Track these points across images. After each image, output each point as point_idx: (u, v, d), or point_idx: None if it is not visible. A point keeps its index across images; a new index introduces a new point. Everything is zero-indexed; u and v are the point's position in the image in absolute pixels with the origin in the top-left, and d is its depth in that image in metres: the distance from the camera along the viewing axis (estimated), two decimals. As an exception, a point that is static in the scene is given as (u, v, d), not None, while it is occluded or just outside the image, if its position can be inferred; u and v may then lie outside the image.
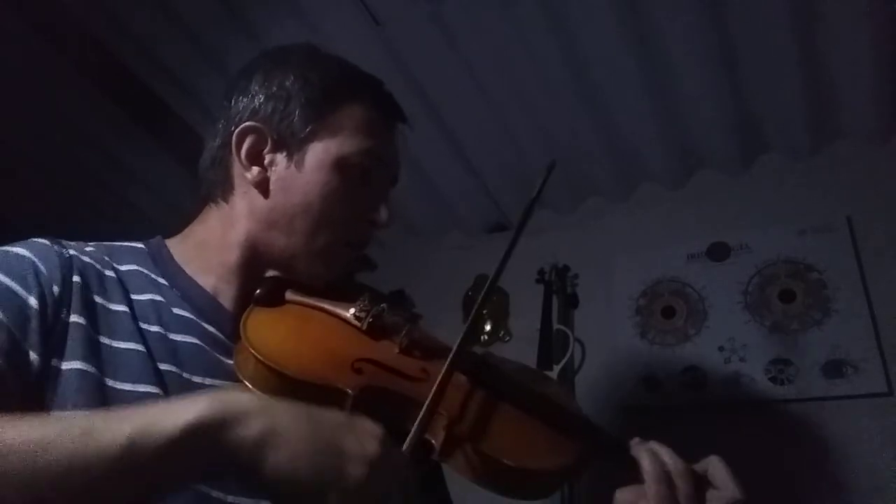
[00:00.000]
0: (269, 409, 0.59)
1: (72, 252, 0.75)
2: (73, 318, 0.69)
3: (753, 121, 1.69)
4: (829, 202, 1.66)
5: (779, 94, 1.60)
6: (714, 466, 0.75)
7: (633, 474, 0.74)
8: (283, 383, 0.70)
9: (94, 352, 0.68)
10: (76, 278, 0.72)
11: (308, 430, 0.59)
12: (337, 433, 0.60)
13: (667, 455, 0.75)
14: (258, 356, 0.71)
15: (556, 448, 0.77)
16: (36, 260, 0.70)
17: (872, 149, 1.65)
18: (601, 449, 0.81)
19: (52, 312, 0.68)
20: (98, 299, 0.73)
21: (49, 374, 0.65)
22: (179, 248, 0.86)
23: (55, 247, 0.74)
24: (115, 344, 0.71)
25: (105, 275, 0.76)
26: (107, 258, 0.79)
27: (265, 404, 0.60)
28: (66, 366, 0.66)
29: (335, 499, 0.56)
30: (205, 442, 0.55)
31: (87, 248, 0.79)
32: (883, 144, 1.64)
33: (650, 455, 0.74)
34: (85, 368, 0.66)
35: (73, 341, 0.67)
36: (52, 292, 0.69)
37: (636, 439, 0.78)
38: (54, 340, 0.67)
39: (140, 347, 0.71)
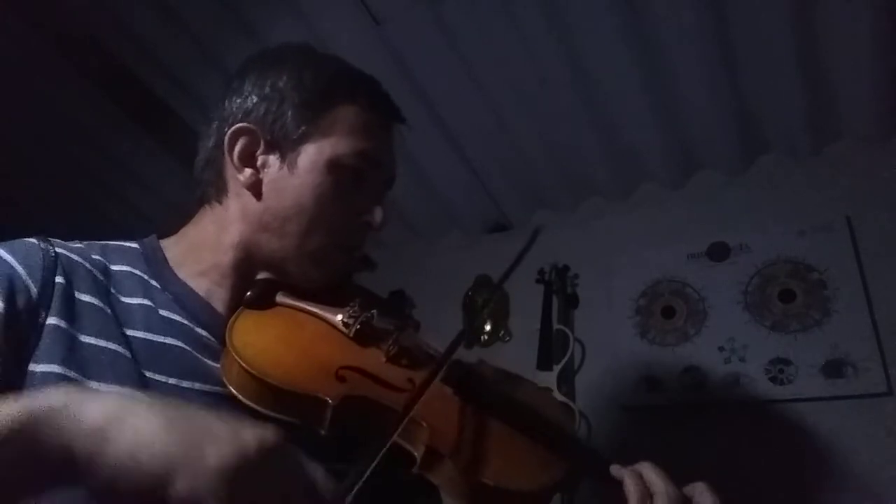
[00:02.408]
0: (121, 397, 0.53)
1: (58, 250, 0.74)
2: (52, 320, 0.67)
3: (753, 121, 1.69)
4: (829, 202, 1.66)
5: (779, 94, 1.59)
6: (700, 493, 0.74)
7: (622, 493, 0.74)
8: (265, 390, 0.69)
9: (74, 353, 0.67)
10: (59, 279, 0.70)
11: (166, 415, 0.50)
12: (206, 419, 0.51)
13: (655, 476, 0.74)
14: (241, 362, 0.70)
15: (539, 468, 0.75)
16: (13, 262, 0.69)
17: (872, 149, 1.64)
18: (585, 469, 0.80)
19: (27, 315, 0.66)
20: (84, 297, 0.71)
21: (15, 377, 0.63)
22: (174, 249, 0.85)
23: (41, 245, 0.73)
24: (99, 343, 0.69)
25: (93, 273, 0.75)
26: (98, 257, 0.78)
27: (119, 394, 0.53)
28: (41, 368, 0.65)
29: (183, 485, 0.47)
30: (41, 428, 0.48)
31: (76, 246, 0.77)
32: (883, 144, 1.63)
33: (633, 476, 0.74)
34: (64, 373, 0.65)
35: (51, 343, 0.66)
36: (29, 295, 0.67)
37: (617, 466, 0.77)
38: (27, 343, 0.65)
39: (125, 352, 0.70)
